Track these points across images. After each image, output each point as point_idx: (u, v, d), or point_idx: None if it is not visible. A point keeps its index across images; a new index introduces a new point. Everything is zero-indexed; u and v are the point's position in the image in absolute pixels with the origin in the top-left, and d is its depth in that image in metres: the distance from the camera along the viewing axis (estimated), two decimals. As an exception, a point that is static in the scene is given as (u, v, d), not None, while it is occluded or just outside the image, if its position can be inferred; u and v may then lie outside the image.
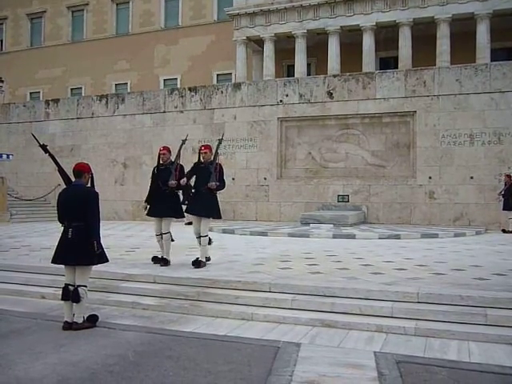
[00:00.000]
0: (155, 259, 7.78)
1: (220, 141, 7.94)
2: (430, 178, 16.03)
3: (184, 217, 8.04)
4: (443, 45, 23.90)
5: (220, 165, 7.55)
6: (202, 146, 7.71)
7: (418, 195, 16.17)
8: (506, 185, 14.48)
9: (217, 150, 7.55)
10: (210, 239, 7.79)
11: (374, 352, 4.55)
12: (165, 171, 7.66)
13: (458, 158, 15.75)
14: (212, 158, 7.52)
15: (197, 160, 7.75)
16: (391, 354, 4.51)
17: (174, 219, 7.86)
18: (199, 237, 7.57)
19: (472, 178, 15.58)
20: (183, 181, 7.50)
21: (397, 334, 5.09)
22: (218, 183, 7.37)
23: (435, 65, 22.08)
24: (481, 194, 15.52)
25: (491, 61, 20.88)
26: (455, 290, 5.76)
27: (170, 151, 7.84)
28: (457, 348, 4.70)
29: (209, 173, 7.32)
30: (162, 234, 7.74)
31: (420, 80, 16.22)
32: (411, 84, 16.30)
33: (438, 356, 4.49)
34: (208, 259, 7.69)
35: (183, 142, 7.94)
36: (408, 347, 4.72)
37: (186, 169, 7.93)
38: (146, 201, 7.93)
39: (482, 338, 4.89)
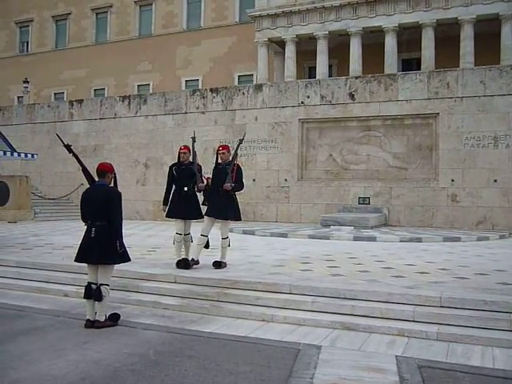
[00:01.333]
0: (180, 263, 7.48)
1: (240, 141, 7.79)
2: (452, 180, 15.83)
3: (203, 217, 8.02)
4: (467, 46, 23.60)
5: (238, 165, 7.46)
6: (220, 146, 7.63)
7: (440, 198, 15.98)
8: (531, 188, 14.23)
9: (236, 151, 7.47)
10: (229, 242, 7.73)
11: (396, 356, 4.51)
12: (185, 171, 7.57)
13: (482, 160, 15.52)
14: (230, 159, 7.46)
15: (215, 161, 7.71)
16: (413, 358, 4.47)
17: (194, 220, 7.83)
18: (204, 235, 7.42)
19: (496, 181, 15.34)
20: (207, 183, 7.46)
21: (419, 338, 5.04)
22: (233, 184, 7.25)
23: (459, 66, 21.84)
24: (505, 198, 15.27)
25: (516, 62, 20.55)
26: (478, 294, 5.67)
27: (189, 151, 7.76)
28: (480, 354, 4.63)
29: (226, 173, 7.24)
30: (184, 235, 7.69)
31: (443, 82, 16.03)
32: (434, 85, 16.12)
33: (461, 361, 4.43)
34: (196, 262, 7.42)
35: (193, 140, 7.74)
36: (430, 352, 4.66)
37: (204, 168, 7.86)
38: (164, 203, 7.80)
39: (506, 343, 4.81)
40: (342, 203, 17.07)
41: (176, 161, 7.87)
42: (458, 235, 13.14)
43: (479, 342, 4.87)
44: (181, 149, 7.76)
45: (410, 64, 26.24)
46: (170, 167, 7.86)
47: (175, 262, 7.50)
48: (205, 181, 7.51)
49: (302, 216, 17.54)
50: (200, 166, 7.72)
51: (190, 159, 7.68)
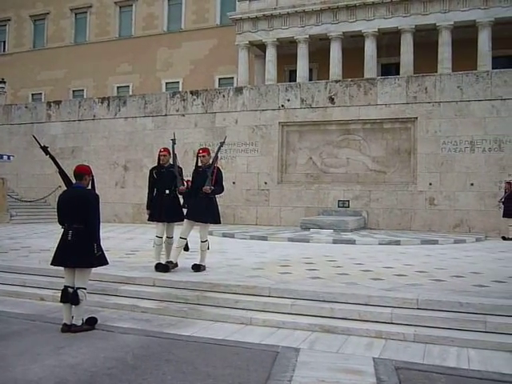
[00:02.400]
0: (159, 266, 7.43)
1: (221, 144, 7.79)
2: (430, 184, 16.03)
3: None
4: (445, 52, 23.95)
5: (218, 168, 7.45)
6: (200, 149, 7.58)
7: (418, 201, 16.17)
8: (506, 192, 14.46)
9: (216, 154, 7.46)
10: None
11: (373, 358, 4.54)
12: (167, 174, 7.53)
13: (459, 164, 15.76)
14: (210, 162, 7.44)
15: (195, 164, 7.68)
16: (390, 360, 4.50)
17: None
18: (183, 238, 7.35)
19: (472, 184, 15.58)
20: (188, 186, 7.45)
21: (396, 340, 5.08)
22: (212, 187, 7.23)
23: (437, 71, 22.13)
24: (481, 201, 15.52)
25: (492, 68, 20.92)
26: (455, 296, 5.75)
27: (169, 153, 7.72)
28: (456, 355, 4.69)
29: (206, 177, 7.22)
30: (167, 238, 7.66)
31: (421, 86, 16.24)
32: (413, 90, 16.33)
33: (437, 363, 4.48)
34: (175, 265, 7.45)
35: (173, 142, 7.74)
36: (407, 353, 4.71)
37: (185, 171, 7.84)
38: (147, 207, 7.70)
39: (481, 344, 4.88)
40: (322, 206, 17.16)
41: (156, 164, 7.82)
42: (436, 238, 13.30)
43: (455, 343, 4.94)
44: (160, 151, 7.69)
45: (389, 69, 26.52)
46: (151, 170, 7.80)
47: (154, 265, 7.45)
48: (185, 184, 7.48)
49: (282, 219, 17.59)
50: (181, 168, 7.68)
51: (171, 161, 7.64)
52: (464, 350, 4.82)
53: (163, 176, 7.55)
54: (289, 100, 17.72)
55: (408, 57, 24.45)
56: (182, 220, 7.56)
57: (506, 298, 5.72)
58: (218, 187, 7.38)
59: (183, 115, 19.14)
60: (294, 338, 5.17)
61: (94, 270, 5.57)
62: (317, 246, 11.61)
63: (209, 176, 7.22)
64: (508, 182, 14.53)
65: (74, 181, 5.49)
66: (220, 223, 7.73)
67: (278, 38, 26.72)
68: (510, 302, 5.47)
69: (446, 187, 15.88)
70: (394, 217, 16.42)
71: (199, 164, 7.52)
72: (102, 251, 5.39)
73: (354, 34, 25.57)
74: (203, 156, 7.43)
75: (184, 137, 18.35)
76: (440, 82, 16.12)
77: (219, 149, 7.61)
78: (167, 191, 7.49)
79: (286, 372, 4.13)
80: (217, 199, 7.62)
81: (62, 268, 5.47)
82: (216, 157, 7.43)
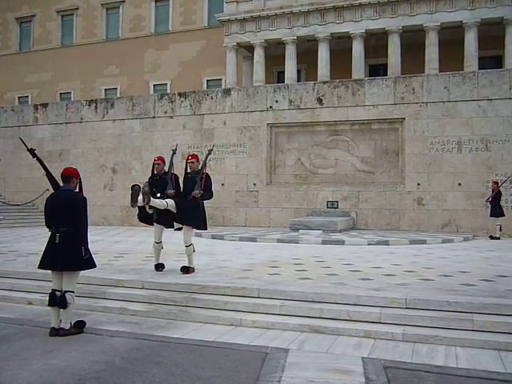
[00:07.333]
0: (160, 266, 7.70)
1: (209, 152, 7.97)
2: (418, 184, 16.13)
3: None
4: (432, 52, 24.12)
5: (207, 174, 7.56)
6: (189, 155, 7.71)
7: (406, 201, 16.26)
8: (493, 191, 14.59)
9: (205, 161, 7.59)
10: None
11: (362, 358, 4.56)
12: (160, 181, 7.63)
13: (447, 164, 15.87)
14: (199, 168, 7.54)
15: (184, 169, 7.75)
16: (379, 359, 4.53)
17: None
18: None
19: (460, 184, 15.70)
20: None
21: (385, 339, 5.11)
22: (201, 192, 7.32)
23: (424, 72, 22.26)
24: (469, 201, 15.64)
25: (479, 69, 21.11)
26: (443, 295, 5.79)
27: (164, 161, 7.82)
28: (444, 353, 4.72)
29: (195, 182, 7.34)
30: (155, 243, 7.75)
31: (409, 87, 16.34)
32: (400, 91, 16.42)
33: (426, 361, 4.51)
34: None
35: (173, 152, 7.92)
36: (396, 353, 4.73)
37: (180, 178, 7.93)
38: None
39: (468, 343, 4.92)
40: (311, 207, 17.19)
41: (151, 171, 7.95)
42: (424, 238, 13.39)
43: (443, 342, 4.98)
44: (155, 160, 7.85)
45: (377, 70, 26.63)
46: (148, 179, 7.92)
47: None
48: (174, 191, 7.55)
49: (271, 220, 17.60)
50: (176, 176, 7.73)
51: (166, 169, 7.72)
52: (452, 348, 4.86)
53: (157, 182, 7.66)
54: (277, 101, 17.75)
55: (395, 58, 24.59)
56: (171, 227, 7.68)
57: (493, 296, 5.77)
58: (207, 193, 7.49)
59: (171, 117, 19.10)
60: (283, 338, 5.18)
61: (81, 273, 5.54)
62: (306, 247, 11.63)
63: (197, 181, 7.31)
64: (495, 182, 14.66)
65: (61, 184, 5.46)
66: (206, 229, 7.82)
67: (265, 40, 26.77)
68: (497, 301, 5.53)
69: (433, 187, 15.99)
70: (382, 217, 16.49)
71: (188, 170, 7.62)
72: (90, 254, 5.37)
73: (341, 35, 25.68)
74: (192, 162, 7.58)
75: (172, 139, 18.30)
76: (427, 82, 16.23)
77: (207, 156, 7.78)
78: (158, 195, 7.55)
79: (275, 373, 4.14)
80: (205, 205, 7.66)
81: (49, 271, 5.43)
82: (204, 163, 7.55)
